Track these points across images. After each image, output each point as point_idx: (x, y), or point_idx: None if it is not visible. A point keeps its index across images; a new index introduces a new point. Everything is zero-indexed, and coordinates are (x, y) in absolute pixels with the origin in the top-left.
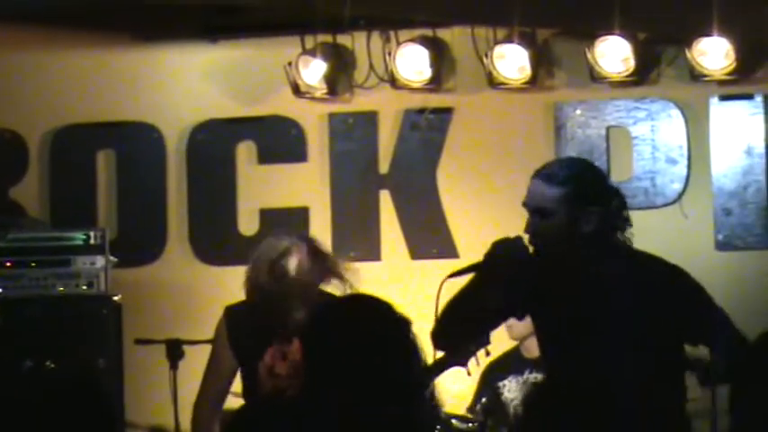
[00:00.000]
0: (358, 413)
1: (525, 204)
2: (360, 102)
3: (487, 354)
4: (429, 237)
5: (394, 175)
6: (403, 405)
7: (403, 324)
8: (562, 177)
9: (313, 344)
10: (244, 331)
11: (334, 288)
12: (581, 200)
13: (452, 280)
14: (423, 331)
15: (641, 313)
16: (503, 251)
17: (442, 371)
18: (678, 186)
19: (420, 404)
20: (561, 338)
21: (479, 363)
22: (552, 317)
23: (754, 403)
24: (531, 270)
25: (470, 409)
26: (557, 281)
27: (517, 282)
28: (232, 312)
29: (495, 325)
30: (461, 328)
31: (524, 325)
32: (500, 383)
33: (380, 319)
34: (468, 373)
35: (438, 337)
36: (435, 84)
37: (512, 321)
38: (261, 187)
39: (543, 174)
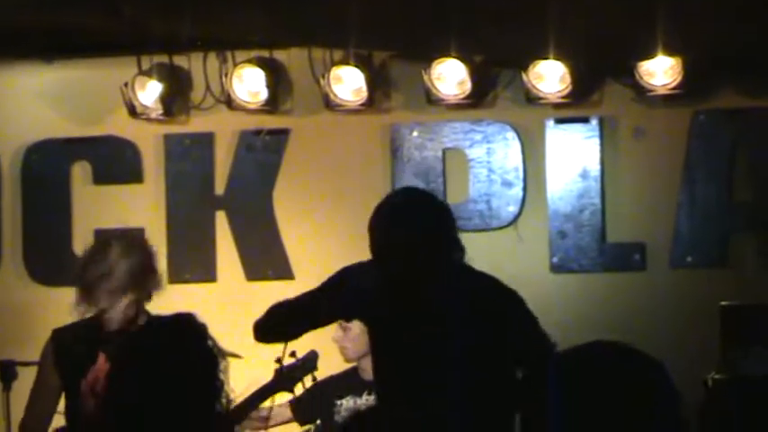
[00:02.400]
0: None
1: None
2: (196, 123)
3: (314, 379)
4: (264, 258)
5: (230, 196)
6: None
7: (214, 355)
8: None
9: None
10: (69, 352)
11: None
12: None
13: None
14: (254, 350)
15: (471, 329)
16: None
17: (269, 396)
18: (514, 209)
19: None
20: (391, 353)
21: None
22: (384, 328)
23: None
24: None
25: (296, 416)
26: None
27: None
28: (58, 334)
29: (320, 321)
30: (287, 317)
31: (360, 344)
32: (337, 402)
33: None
34: (294, 397)
35: (261, 327)
36: (272, 105)
37: (346, 343)
38: (96, 207)
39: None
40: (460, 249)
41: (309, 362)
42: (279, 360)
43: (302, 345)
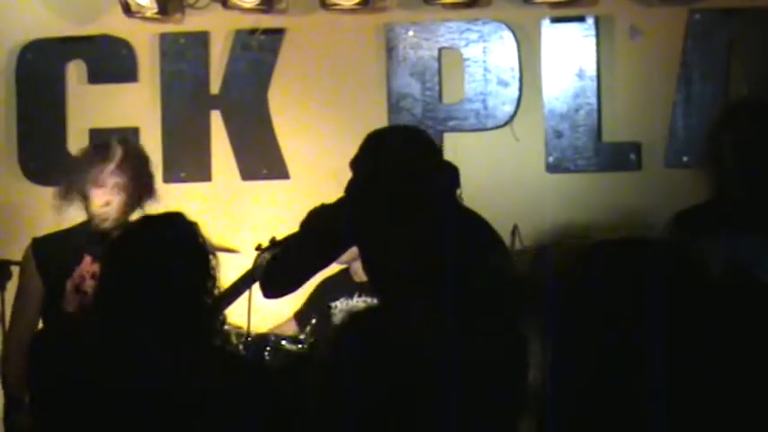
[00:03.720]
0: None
1: None
2: (191, 22)
3: None
4: (259, 158)
5: (225, 95)
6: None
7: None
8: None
9: (107, 263)
10: (51, 256)
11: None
12: None
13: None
14: (248, 248)
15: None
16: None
17: (251, 283)
18: (509, 108)
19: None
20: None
21: None
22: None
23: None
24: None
25: (300, 327)
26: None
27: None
28: (39, 242)
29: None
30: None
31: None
32: (332, 304)
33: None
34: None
35: (269, 289)
36: (267, 4)
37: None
38: (91, 107)
39: None
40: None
41: None
42: (259, 247)
43: (282, 232)
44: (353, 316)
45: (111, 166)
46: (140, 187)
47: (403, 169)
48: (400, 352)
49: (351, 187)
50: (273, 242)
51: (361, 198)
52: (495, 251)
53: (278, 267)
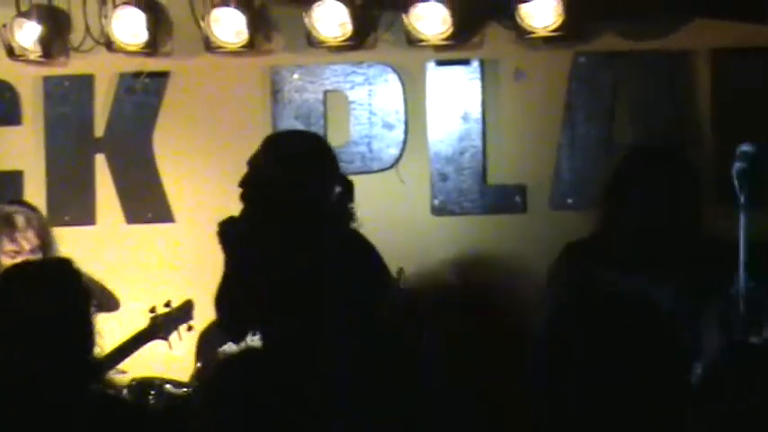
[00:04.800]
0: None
1: None
2: (75, 65)
3: (189, 329)
4: (144, 201)
5: (109, 138)
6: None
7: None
8: None
9: None
10: None
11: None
12: None
13: None
14: (138, 291)
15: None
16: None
17: (142, 343)
18: (395, 151)
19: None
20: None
21: (182, 338)
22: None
23: None
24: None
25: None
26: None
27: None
28: None
29: None
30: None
31: None
32: (220, 350)
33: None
34: (170, 347)
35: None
36: (152, 47)
37: None
38: None
39: None
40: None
41: (185, 311)
42: (153, 309)
43: (178, 294)
44: (229, 359)
45: (17, 234)
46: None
47: (294, 176)
48: (278, 393)
49: (243, 189)
50: (168, 305)
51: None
52: (379, 279)
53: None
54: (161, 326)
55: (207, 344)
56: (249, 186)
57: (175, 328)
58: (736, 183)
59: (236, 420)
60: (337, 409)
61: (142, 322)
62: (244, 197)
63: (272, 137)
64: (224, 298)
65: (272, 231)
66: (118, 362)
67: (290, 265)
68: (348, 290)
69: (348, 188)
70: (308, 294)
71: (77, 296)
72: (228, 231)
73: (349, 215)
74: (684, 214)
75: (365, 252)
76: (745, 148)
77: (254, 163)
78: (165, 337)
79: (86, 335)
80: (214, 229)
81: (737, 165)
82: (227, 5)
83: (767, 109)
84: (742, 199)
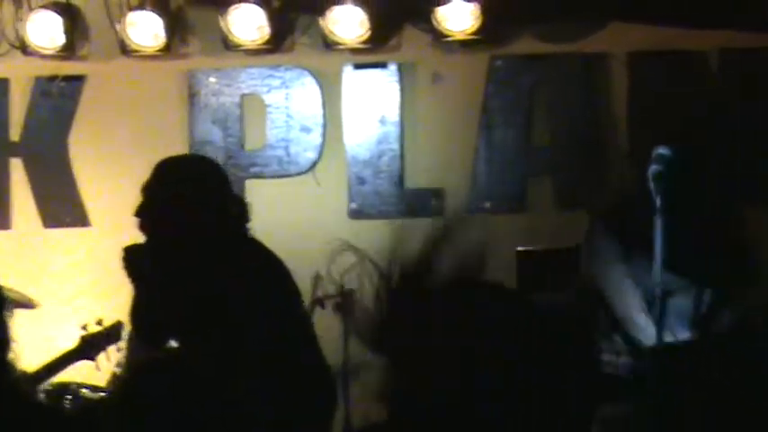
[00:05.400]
0: None
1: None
2: None
3: (119, 350)
4: (61, 205)
5: (25, 142)
6: None
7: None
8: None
9: None
10: None
11: None
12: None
13: None
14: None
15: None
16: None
17: (70, 363)
18: (312, 155)
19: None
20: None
21: (110, 359)
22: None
23: None
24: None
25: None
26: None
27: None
28: None
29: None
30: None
31: None
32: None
33: None
34: (98, 368)
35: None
36: (68, 51)
37: None
38: None
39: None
40: (238, 204)
41: (114, 332)
42: (84, 327)
43: (109, 315)
44: (144, 363)
45: None
46: None
47: (191, 197)
48: (194, 401)
49: (140, 214)
50: (100, 323)
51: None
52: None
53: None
54: (90, 346)
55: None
56: (146, 214)
57: (104, 348)
58: (652, 185)
59: (151, 426)
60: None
61: (60, 324)
62: (142, 227)
63: (163, 162)
64: (142, 319)
65: (177, 253)
66: (45, 380)
67: (203, 280)
68: (262, 300)
69: (244, 209)
70: (225, 307)
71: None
72: (132, 258)
73: (246, 233)
74: None
75: (272, 263)
76: (662, 150)
77: (147, 190)
78: (93, 358)
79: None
80: (132, 233)
81: (653, 167)
82: (144, 9)
83: (683, 112)
84: (658, 201)
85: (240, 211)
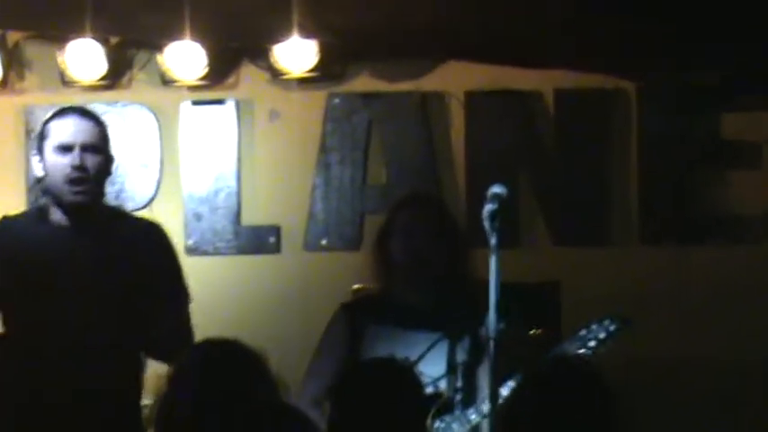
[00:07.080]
0: None
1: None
2: None
3: None
4: None
5: None
6: None
7: None
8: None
9: None
10: None
11: None
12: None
13: None
14: None
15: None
16: None
17: None
18: (149, 191)
19: None
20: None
21: None
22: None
23: None
24: None
25: None
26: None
27: None
28: None
29: None
30: None
31: None
32: None
33: None
34: None
35: None
36: None
37: None
38: None
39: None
40: None
41: None
42: None
43: None
44: None
45: None
46: None
47: None
48: None
49: None
50: None
51: None
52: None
53: None
54: None
55: None
56: None
57: None
58: (486, 224)
59: None
60: None
61: None
62: None
63: None
64: None
65: None
66: None
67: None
68: None
69: None
70: None
71: None
72: None
73: None
74: (448, 261)
75: None
76: (496, 189)
77: None
78: None
79: None
80: None
81: (488, 206)
82: None
83: (519, 151)
84: (492, 240)
85: None
